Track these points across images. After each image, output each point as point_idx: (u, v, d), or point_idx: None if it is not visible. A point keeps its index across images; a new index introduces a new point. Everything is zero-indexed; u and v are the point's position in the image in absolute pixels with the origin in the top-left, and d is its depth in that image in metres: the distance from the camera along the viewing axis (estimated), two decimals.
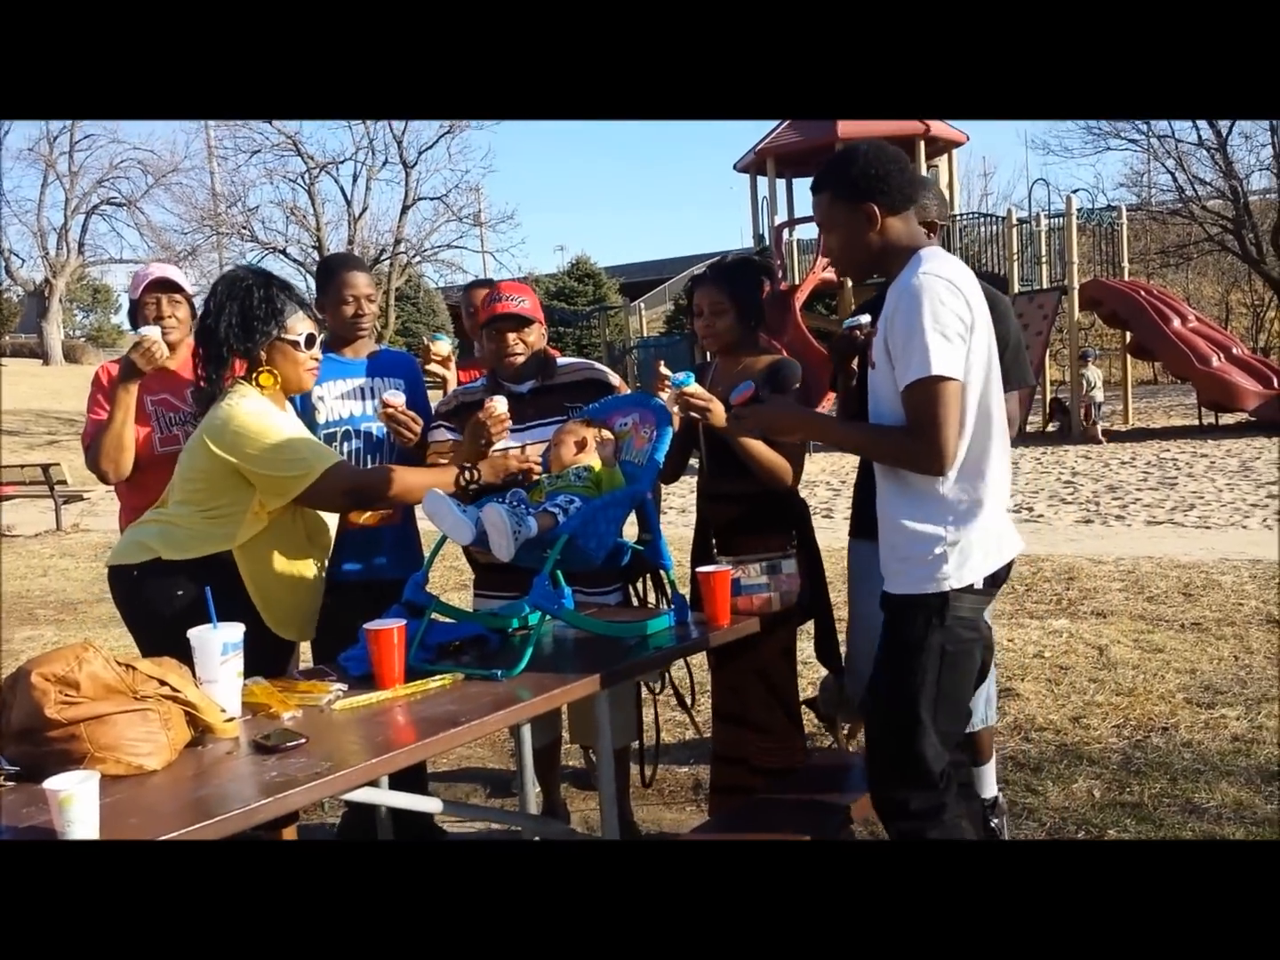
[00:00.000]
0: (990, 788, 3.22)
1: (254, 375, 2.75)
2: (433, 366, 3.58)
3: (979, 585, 2.26)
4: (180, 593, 2.66)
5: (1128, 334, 19.03)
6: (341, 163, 28.41)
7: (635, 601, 3.41)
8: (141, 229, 34.90)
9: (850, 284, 19.58)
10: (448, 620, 2.79)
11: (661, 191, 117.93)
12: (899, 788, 2.35)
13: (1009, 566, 2.36)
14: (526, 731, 3.00)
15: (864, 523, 2.94)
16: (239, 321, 2.73)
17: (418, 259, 29.52)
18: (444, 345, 3.62)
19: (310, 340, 2.79)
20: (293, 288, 2.83)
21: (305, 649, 3.20)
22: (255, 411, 2.68)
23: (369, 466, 3.21)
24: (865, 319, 2.87)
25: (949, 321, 2.13)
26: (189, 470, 2.72)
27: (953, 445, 2.16)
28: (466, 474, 2.80)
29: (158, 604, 2.69)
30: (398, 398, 3.13)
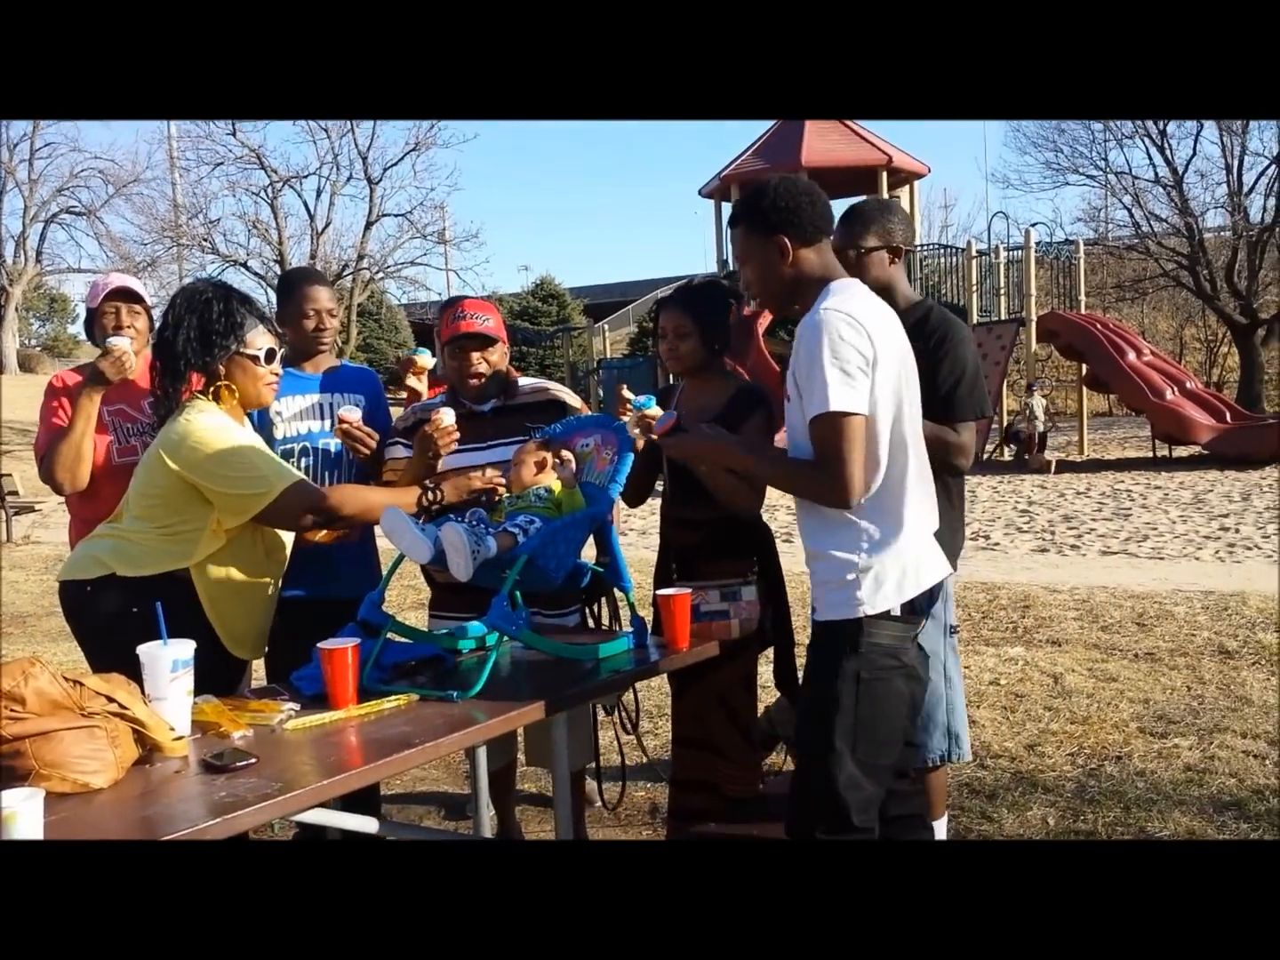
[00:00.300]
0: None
1: (211, 390, 2.71)
2: (411, 380, 3.55)
3: (896, 612, 2.24)
4: (135, 610, 2.56)
5: (1084, 366, 19.30)
6: (305, 177, 28.39)
7: (593, 623, 3.39)
8: (101, 239, 34.60)
9: None
10: (404, 640, 2.75)
11: (627, 214, 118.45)
12: (807, 815, 2.33)
13: (932, 594, 2.33)
14: (482, 754, 2.97)
15: None
16: (197, 336, 2.68)
17: (381, 275, 29.46)
18: (427, 359, 3.57)
19: (270, 355, 2.75)
20: (253, 302, 2.78)
21: (258, 667, 3.15)
22: (213, 427, 2.64)
23: (326, 484, 3.18)
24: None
25: (848, 356, 2.13)
26: (145, 486, 2.66)
27: (857, 478, 2.16)
28: (429, 494, 2.77)
29: (110, 621, 2.62)
30: (353, 413, 3.12)
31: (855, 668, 2.24)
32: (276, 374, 2.80)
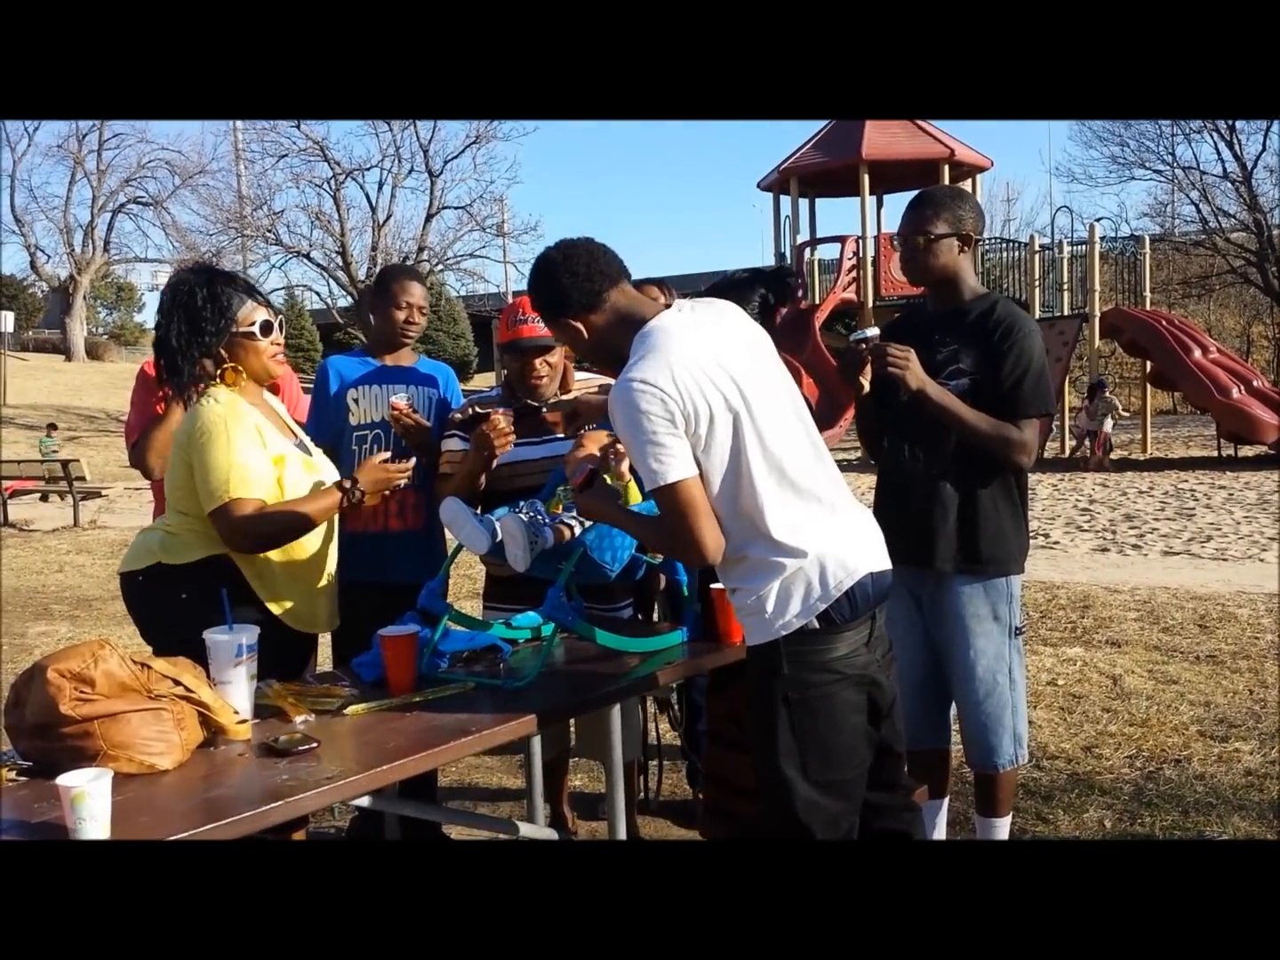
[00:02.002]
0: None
1: (220, 374, 2.70)
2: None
3: (814, 625, 2.16)
4: (184, 596, 2.62)
5: (1148, 363, 18.98)
6: (368, 169, 28.65)
7: (643, 617, 3.41)
8: (167, 229, 35.24)
9: (871, 303, 19.62)
10: (461, 629, 2.79)
11: (686, 207, 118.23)
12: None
13: (865, 591, 2.20)
14: (536, 744, 3.00)
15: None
16: (187, 327, 2.68)
17: (440, 267, 29.65)
18: (401, 399, 3.37)
19: (267, 327, 2.72)
20: (238, 279, 2.76)
21: (323, 653, 3.21)
22: (212, 420, 2.61)
23: None
24: (872, 331, 2.86)
25: (652, 427, 2.06)
26: (173, 478, 2.69)
27: (708, 537, 2.12)
28: (349, 495, 2.71)
29: (162, 609, 2.67)
30: (401, 400, 3.23)
31: (782, 690, 2.18)
32: (279, 344, 2.76)
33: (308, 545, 2.77)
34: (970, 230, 2.89)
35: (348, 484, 2.73)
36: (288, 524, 2.65)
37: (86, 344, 41.00)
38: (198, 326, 2.67)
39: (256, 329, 2.70)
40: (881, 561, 2.30)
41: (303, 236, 28.77)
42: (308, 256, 28.08)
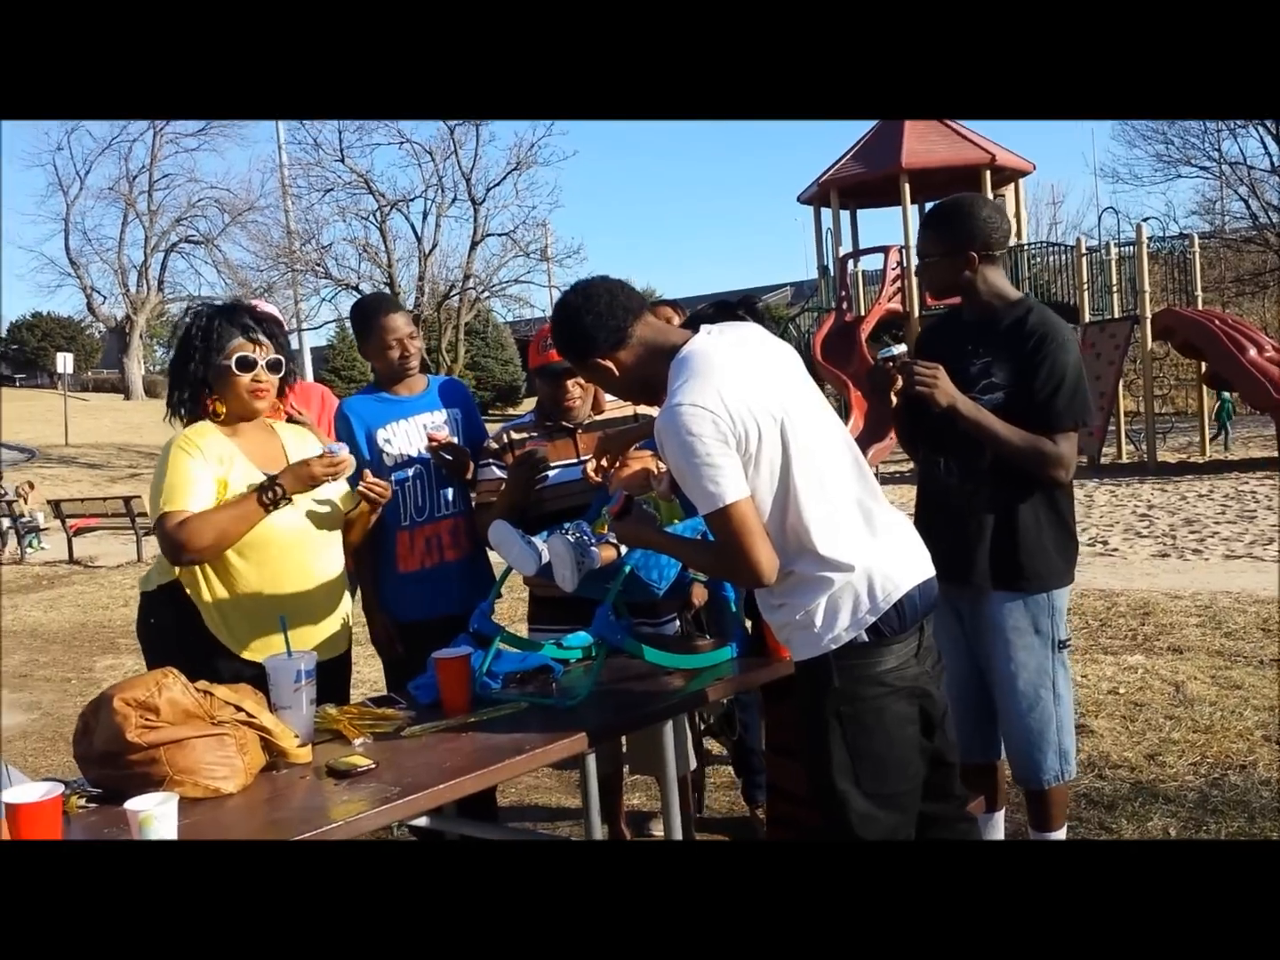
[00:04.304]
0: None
1: (211, 405, 2.77)
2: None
3: (864, 638, 2.17)
4: (151, 620, 2.81)
5: (1203, 364, 18.69)
6: (411, 200, 28.92)
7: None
8: (219, 266, 35.89)
9: (916, 313, 19.51)
10: (514, 650, 2.82)
11: (727, 224, 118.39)
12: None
13: (913, 604, 2.21)
14: (591, 762, 3.02)
15: None
16: (178, 359, 2.78)
17: (486, 294, 29.90)
18: (440, 431, 3.35)
19: (243, 363, 2.72)
20: (237, 313, 2.79)
21: (374, 676, 3.25)
22: (169, 445, 2.69)
23: (439, 503, 3.29)
24: (899, 349, 2.83)
25: (704, 450, 2.06)
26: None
27: (764, 559, 2.11)
28: (267, 494, 2.64)
29: (140, 630, 2.87)
30: (440, 431, 3.22)
31: (834, 705, 2.19)
32: (260, 380, 2.75)
33: (247, 570, 2.70)
34: (983, 243, 2.83)
35: (266, 481, 2.66)
36: (210, 527, 2.59)
37: (144, 382, 41.85)
38: (186, 355, 2.75)
39: (232, 364, 2.72)
40: (927, 572, 2.30)
41: (351, 269, 29.15)
42: (357, 289, 28.44)
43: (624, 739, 3.42)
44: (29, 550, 16.09)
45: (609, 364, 2.27)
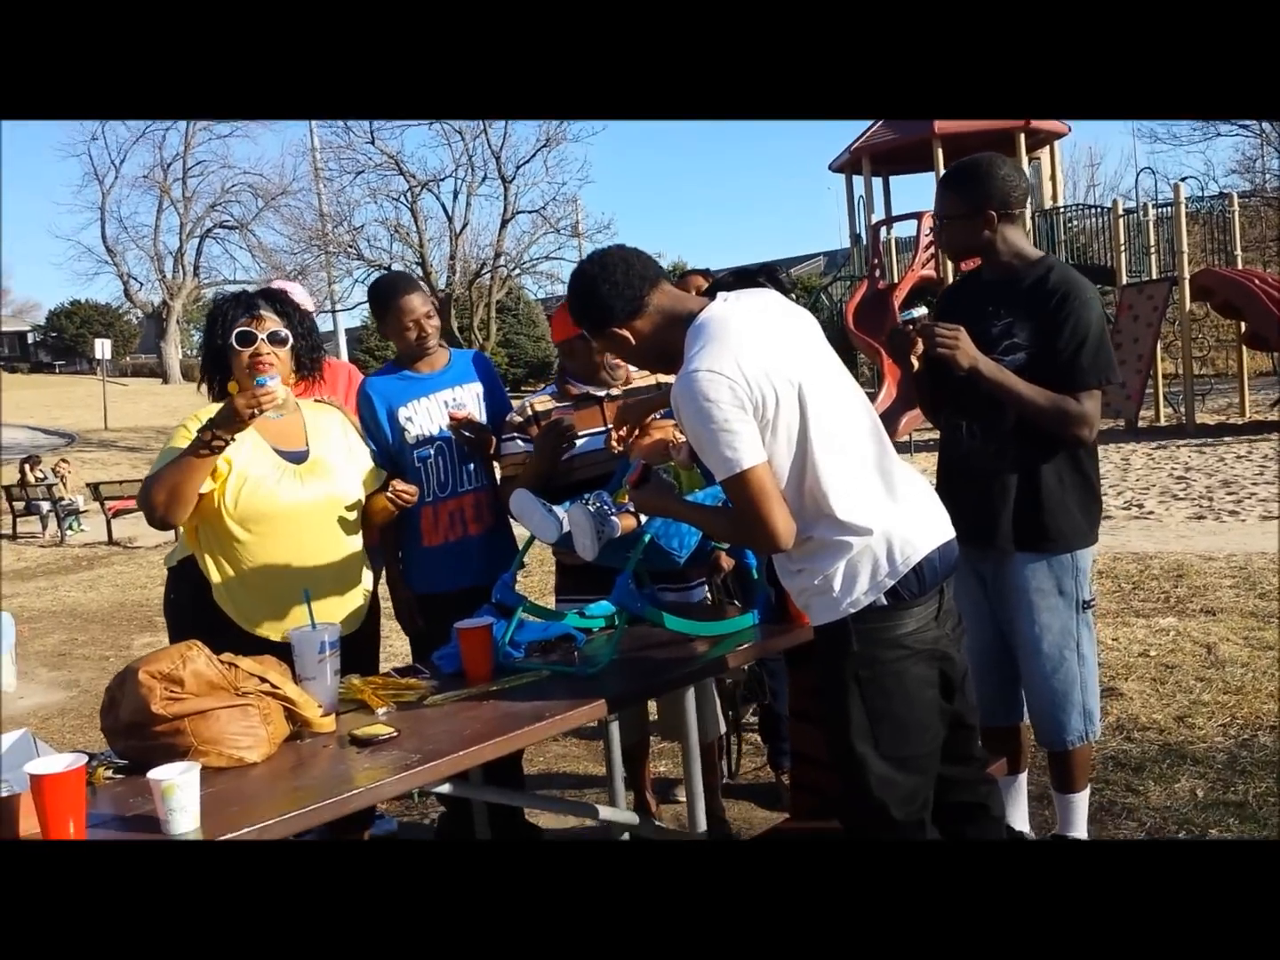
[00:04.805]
0: (1021, 821, 3.13)
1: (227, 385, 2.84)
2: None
3: (882, 602, 2.17)
4: (172, 596, 2.92)
5: (1242, 324, 18.39)
6: (442, 180, 28.93)
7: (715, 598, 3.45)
8: (253, 250, 36.13)
9: (951, 279, 19.33)
10: (536, 620, 2.85)
11: (760, 194, 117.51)
12: (852, 820, 2.32)
13: (933, 566, 2.21)
14: (615, 730, 3.06)
15: None
16: (205, 348, 2.89)
17: (517, 271, 29.91)
18: (460, 410, 3.32)
19: (242, 337, 2.77)
20: (248, 295, 2.88)
21: (406, 649, 3.30)
22: (182, 424, 2.76)
23: (460, 481, 3.32)
24: (919, 311, 2.83)
25: (721, 415, 2.06)
26: None
27: (781, 524, 2.11)
28: (202, 437, 2.59)
29: (166, 607, 2.98)
30: (461, 409, 3.25)
31: (853, 668, 2.19)
32: (260, 353, 2.78)
33: (248, 545, 2.74)
34: (1001, 201, 2.83)
35: (200, 429, 2.62)
36: (160, 485, 2.63)
37: (182, 366, 42.22)
38: (210, 342, 2.84)
39: (233, 341, 2.78)
40: (946, 534, 2.30)
41: (383, 250, 29.25)
42: (389, 269, 28.54)
43: (653, 707, 3.45)
44: (69, 533, 16.32)
45: (625, 333, 2.28)
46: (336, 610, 2.82)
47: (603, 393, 3.26)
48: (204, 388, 2.91)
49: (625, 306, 2.25)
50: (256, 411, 2.56)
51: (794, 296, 2.66)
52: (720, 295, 2.28)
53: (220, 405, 2.65)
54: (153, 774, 1.79)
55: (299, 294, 3.44)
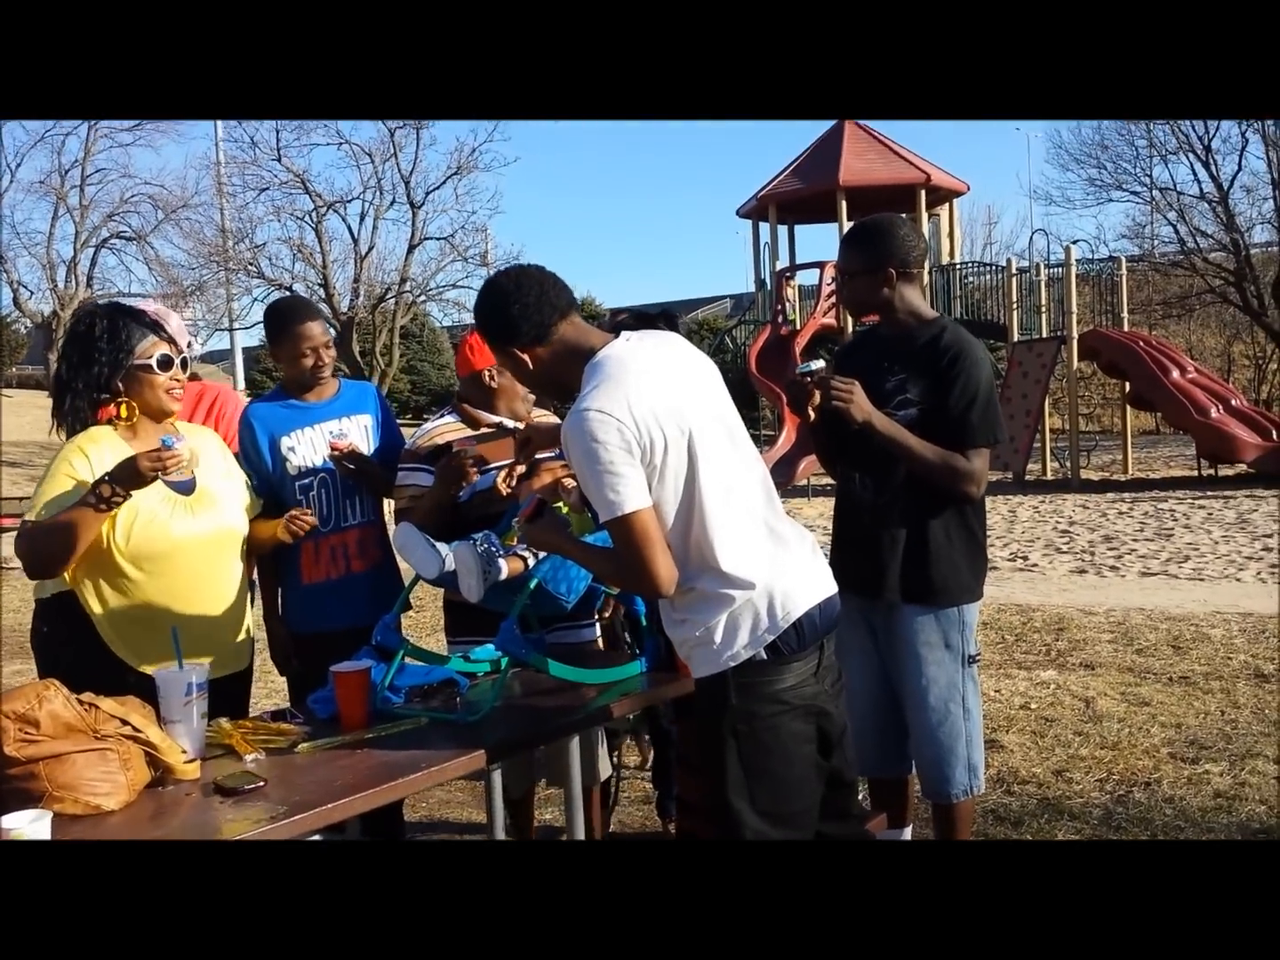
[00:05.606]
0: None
1: (116, 408, 2.69)
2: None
3: (762, 656, 2.15)
4: (45, 629, 2.74)
5: (1127, 384, 19.09)
6: (349, 201, 28.58)
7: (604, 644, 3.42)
8: (150, 263, 35.15)
9: (850, 328, 19.72)
10: (419, 663, 2.78)
11: (668, 235, 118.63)
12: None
13: (813, 622, 2.20)
14: (497, 777, 2.99)
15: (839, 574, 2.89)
16: (79, 360, 2.68)
17: (423, 298, 29.67)
18: (342, 440, 3.22)
19: (164, 361, 2.70)
20: (141, 315, 2.75)
21: (283, 692, 3.19)
22: (61, 452, 2.63)
23: (347, 514, 3.21)
24: (817, 364, 2.85)
25: (608, 457, 2.04)
26: None
27: (662, 569, 2.10)
28: (97, 493, 2.48)
29: (34, 639, 2.78)
30: (342, 440, 3.15)
31: (731, 722, 2.18)
32: (178, 380, 2.73)
33: (139, 583, 2.63)
34: (900, 260, 2.88)
35: (96, 483, 2.50)
36: (48, 535, 2.51)
37: None
38: (89, 357, 2.67)
39: (154, 362, 2.68)
40: (828, 590, 2.30)
41: (285, 270, 28.73)
42: (290, 289, 28.05)
43: (539, 751, 3.39)
44: None
45: (525, 356, 2.24)
46: (221, 646, 2.72)
47: (512, 425, 3.16)
48: (67, 407, 2.69)
49: (531, 331, 2.21)
50: (160, 474, 2.49)
51: (697, 340, 2.67)
52: (624, 335, 2.26)
53: (114, 448, 2.58)
54: (1, 821, 1.69)
55: (175, 324, 3.19)
